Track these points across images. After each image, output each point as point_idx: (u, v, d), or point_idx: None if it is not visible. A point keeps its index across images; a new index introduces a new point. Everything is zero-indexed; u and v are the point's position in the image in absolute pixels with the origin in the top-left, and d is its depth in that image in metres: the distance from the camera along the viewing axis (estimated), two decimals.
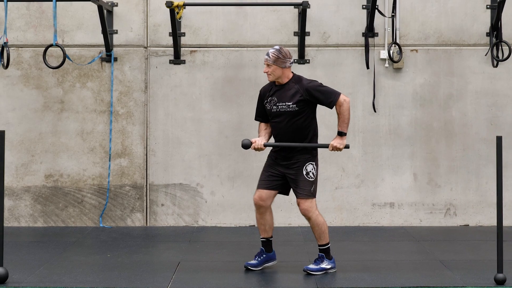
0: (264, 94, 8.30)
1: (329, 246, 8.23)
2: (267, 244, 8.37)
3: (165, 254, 9.32)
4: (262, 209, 8.25)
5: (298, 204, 8.15)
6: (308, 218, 8.13)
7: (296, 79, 8.18)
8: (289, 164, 8.14)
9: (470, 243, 9.95)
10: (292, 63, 8.19)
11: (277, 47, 8.18)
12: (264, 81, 10.54)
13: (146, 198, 11.08)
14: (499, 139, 7.81)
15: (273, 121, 8.21)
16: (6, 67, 10.36)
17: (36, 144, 11.04)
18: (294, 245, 9.30)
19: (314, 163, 8.17)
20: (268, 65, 8.12)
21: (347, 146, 8.16)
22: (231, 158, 10.98)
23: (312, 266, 8.17)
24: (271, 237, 8.38)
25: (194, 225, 11.05)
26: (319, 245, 8.20)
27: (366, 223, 11.10)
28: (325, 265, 8.19)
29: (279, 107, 8.10)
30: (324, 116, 10.94)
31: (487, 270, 8.18)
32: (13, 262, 8.49)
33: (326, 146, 8.15)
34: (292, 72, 8.24)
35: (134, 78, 11.04)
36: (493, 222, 10.36)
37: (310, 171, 8.13)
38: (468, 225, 11.08)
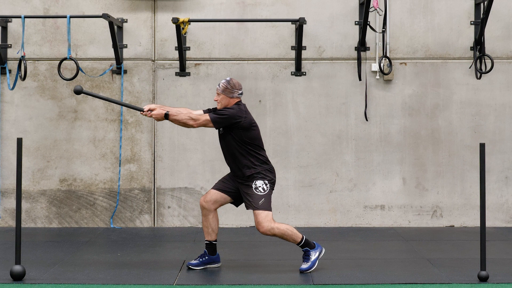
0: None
1: (305, 239, 8.15)
2: (210, 247, 8.32)
3: (172, 253, 9.35)
4: (204, 211, 8.24)
5: (258, 228, 8.04)
6: (274, 235, 8.05)
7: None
8: (242, 181, 8.12)
9: (455, 242, 9.97)
10: (240, 94, 8.14)
11: (228, 78, 8.18)
12: (262, 92, 10.59)
13: (154, 201, 11.09)
14: (482, 146, 7.82)
15: (220, 145, 8.28)
16: (24, 79, 10.39)
17: (51, 150, 11.06)
18: (290, 245, 9.29)
19: (265, 180, 8.09)
20: (218, 93, 8.13)
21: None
22: None
23: (304, 265, 8.13)
24: (215, 240, 8.31)
25: (199, 226, 11.05)
26: (298, 245, 8.16)
27: (359, 224, 11.10)
28: (314, 256, 8.15)
29: (220, 131, 8.16)
30: (320, 125, 11.00)
31: (471, 268, 8.18)
32: (29, 260, 8.50)
33: (141, 109, 8.01)
34: (239, 102, 8.17)
35: (142, 89, 11.06)
36: (477, 223, 10.38)
37: (260, 186, 8.06)
38: (454, 226, 11.08)
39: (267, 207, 8.05)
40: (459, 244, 9.82)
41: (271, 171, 8.19)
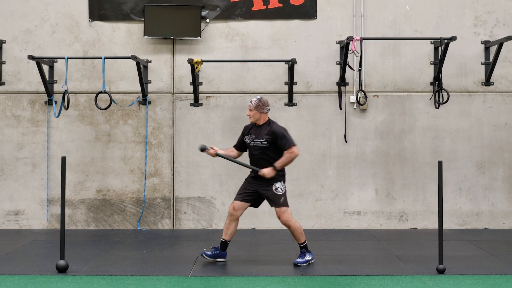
0: (245, 131, 8.41)
1: (306, 243, 8.27)
2: (224, 244, 8.37)
3: (187, 250, 9.33)
4: (232, 217, 8.27)
5: (278, 217, 8.17)
6: (288, 226, 8.16)
7: (269, 122, 8.27)
8: (262, 184, 8.20)
9: (418, 242, 9.96)
10: (268, 110, 8.26)
11: (258, 96, 8.29)
12: None
13: (173, 208, 11.11)
14: (440, 163, 7.88)
15: (251, 152, 8.32)
16: (67, 108, 10.44)
17: (89, 167, 11.09)
18: (285, 244, 9.32)
19: (281, 182, 8.22)
20: (250, 109, 8.23)
21: (272, 177, 8.14)
22: (237, 178, 11.00)
23: (298, 259, 8.22)
24: (229, 241, 8.36)
25: (209, 228, 11.07)
26: (300, 244, 8.24)
27: (339, 226, 11.12)
28: (307, 257, 8.24)
29: (256, 142, 8.21)
30: (308, 146, 11.02)
31: (431, 262, 8.22)
32: (72, 256, 8.53)
33: (257, 170, 8.16)
34: (268, 117, 8.32)
35: (163, 117, 11.10)
36: (436, 225, 10.36)
37: (279, 187, 8.18)
38: (417, 228, 11.09)
39: (286, 203, 8.21)
40: (421, 243, 9.82)
41: (285, 175, 8.34)
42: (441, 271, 7.75)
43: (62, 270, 7.78)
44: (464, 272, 7.83)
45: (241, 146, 8.49)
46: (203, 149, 8.39)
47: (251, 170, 8.33)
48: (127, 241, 10.09)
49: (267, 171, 8.10)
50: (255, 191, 8.27)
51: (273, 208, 8.28)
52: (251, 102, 8.22)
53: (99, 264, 8.29)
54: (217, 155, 8.35)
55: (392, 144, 11.10)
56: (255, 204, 8.43)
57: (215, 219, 11.05)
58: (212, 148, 8.38)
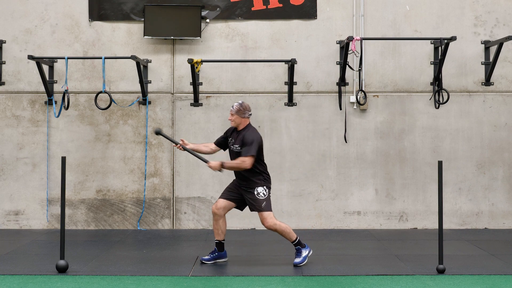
0: (228, 133, 8.38)
1: (298, 239, 8.24)
2: (219, 245, 8.36)
3: (187, 250, 9.34)
4: (216, 216, 8.25)
5: (263, 223, 8.13)
6: (275, 230, 8.11)
7: (247, 128, 8.22)
8: (245, 188, 8.17)
9: (418, 242, 9.96)
10: (250, 115, 8.23)
11: (240, 101, 8.24)
12: (261, 119, 10.64)
13: (173, 208, 11.12)
14: (440, 163, 7.88)
15: (230, 156, 8.28)
16: (67, 108, 10.46)
17: (89, 167, 11.10)
18: (285, 243, 9.31)
19: (264, 186, 8.14)
20: (232, 114, 8.19)
21: (220, 171, 8.12)
22: None
23: (297, 260, 8.19)
24: (223, 240, 8.34)
25: (209, 228, 11.06)
26: (292, 242, 8.21)
27: (339, 226, 11.13)
28: (304, 253, 8.22)
29: (232, 147, 8.20)
30: (308, 146, 11.03)
31: (431, 262, 8.22)
32: (72, 256, 8.54)
33: (206, 161, 8.17)
34: (249, 123, 8.27)
35: (163, 117, 11.11)
36: (435, 225, 10.40)
37: (261, 192, 8.11)
38: (417, 228, 11.11)
39: (269, 208, 8.12)
40: (421, 243, 9.82)
41: (268, 179, 8.24)
42: (441, 271, 7.75)
43: (62, 270, 7.78)
44: (464, 272, 7.84)
45: (220, 144, 8.47)
46: (157, 132, 8.39)
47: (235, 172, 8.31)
48: (127, 241, 10.10)
49: (213, 164, 8.03)
50: (240, 193, 8.27)
51: (256, 213, 8.27)
52: (232, 107, 8.20)
53: (99, 264, 8.29)
54: (184, 149, 8.32)
55: (392, 144, 11.11)
56: (240, 206, 8.41)
57: None
58: (182, 141, 8.34)
